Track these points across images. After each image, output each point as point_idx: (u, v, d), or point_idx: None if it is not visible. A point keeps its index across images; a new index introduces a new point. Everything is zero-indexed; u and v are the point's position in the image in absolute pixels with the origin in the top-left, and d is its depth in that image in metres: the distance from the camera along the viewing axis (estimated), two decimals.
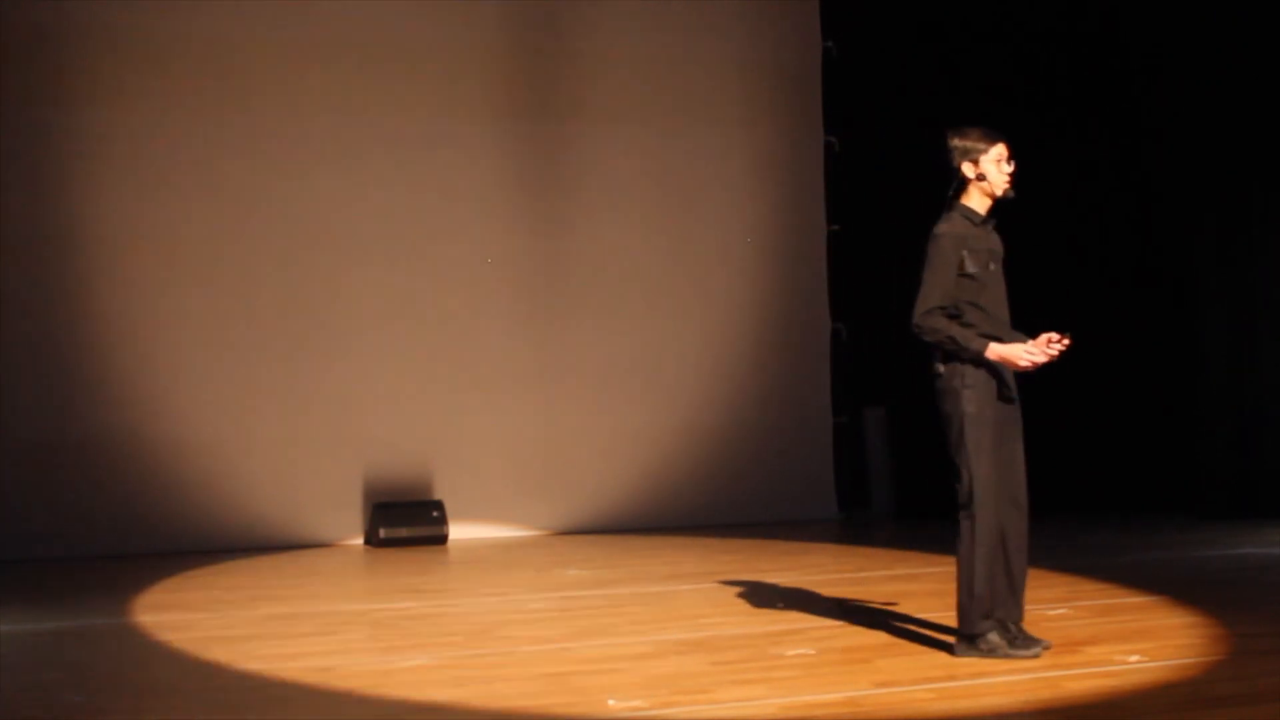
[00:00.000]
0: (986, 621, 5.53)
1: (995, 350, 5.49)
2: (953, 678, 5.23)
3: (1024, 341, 5.53)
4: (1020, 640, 5.64)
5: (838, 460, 12.00)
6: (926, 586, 7.57)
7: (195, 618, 7.15)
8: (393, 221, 10.95)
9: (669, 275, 11.61)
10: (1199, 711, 4.71)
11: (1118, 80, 11.77)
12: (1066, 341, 5.48)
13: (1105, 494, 11.56)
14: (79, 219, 10.28)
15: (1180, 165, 11.14)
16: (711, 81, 11.72)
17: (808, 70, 11.98)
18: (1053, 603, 6.86)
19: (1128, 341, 11.68)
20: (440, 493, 10.85)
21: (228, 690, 5.42)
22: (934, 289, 5.58)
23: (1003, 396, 5.60)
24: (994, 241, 5.70)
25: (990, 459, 5.53)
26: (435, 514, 10.57)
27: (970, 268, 5.58)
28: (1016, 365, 5.48)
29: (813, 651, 5.76)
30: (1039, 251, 11.72)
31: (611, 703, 4.94)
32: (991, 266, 5.63)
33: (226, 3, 10.57)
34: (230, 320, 10.55)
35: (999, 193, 5.65)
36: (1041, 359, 5.47)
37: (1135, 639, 5.92)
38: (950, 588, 7.51)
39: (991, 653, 5.48)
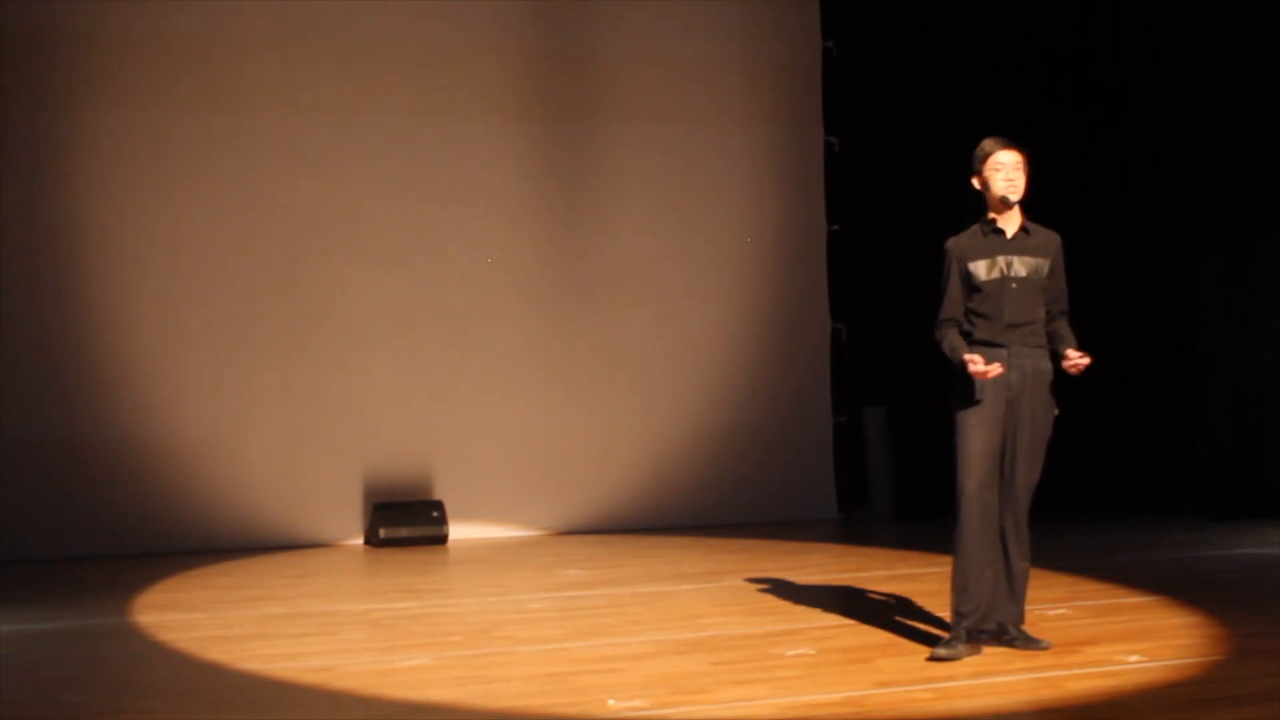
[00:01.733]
0: (965, 621, 5.57)
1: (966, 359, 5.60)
2: (952, 678, 5.23)
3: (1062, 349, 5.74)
4: (1021, 642, 5.66)
5: (838, 460, 12.00)
6: (927, 586, 7.57)
7: (195, 618, 7.15)
8: (394, 221, 10.95)
9: (668, 275, 11.60)
10: (1199, 711, 4.71)
11: (1118, 76, 11.76)
12: (1084, 362, 5.59)
13: (1105, 494, 11.56)
14: (79, 219, 10.29)
15: (1179, 164, 11.13)
16: (712, 81, 11.71)
17: (808, 70, 11.98)
18: (1053, 603, 6.86)
19: (1127, 341, 11.67)
20: (440, 493, 10.86)
21: (228, 690, 5.42)
22: (941, 303, 5.81)
23: (994, 391, 5.63)
24: (1017, 247, 5.73)
25: (975, 461, 5.60)
26: (435, 514, 10.58)
27: (976, 278, 5.70)
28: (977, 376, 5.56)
29: (813, 651, 5.76)
30: None
31: (611, 703, 4.94)
32: (1000, 274, 5.68)
33: (230, 3, 10.58)
34: (230, 320, 10.55)
35: (997, 198, 5.71)
36: (983, 372, 5.51)
37: (1135, 639, 5.92)
38: (950, 588, 7.53)
39: (954, 657, 5.51)
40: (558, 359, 11.26)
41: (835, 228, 12.02)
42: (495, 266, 11.16)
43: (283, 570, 9.19)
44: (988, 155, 5.72)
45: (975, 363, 5.53)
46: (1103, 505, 11.41)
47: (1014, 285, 5.68)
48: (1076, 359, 5.60)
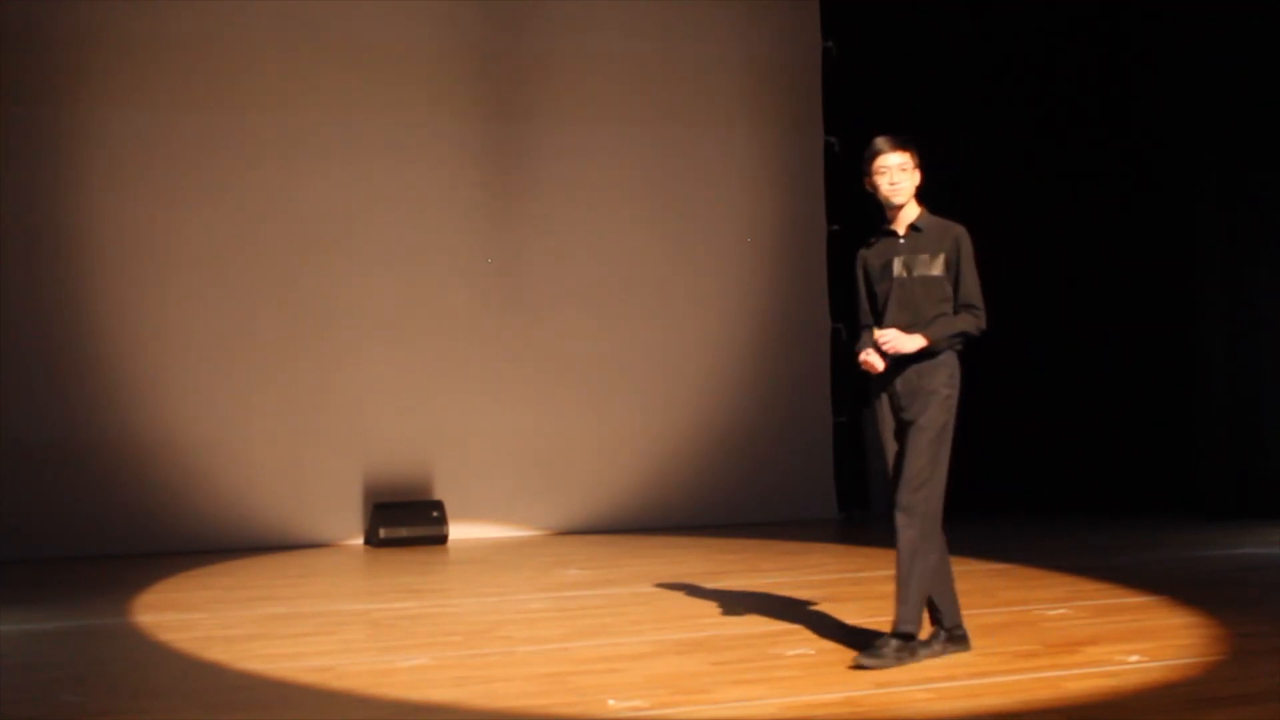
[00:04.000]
0: (947, 621, 5.66)
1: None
2: (953, 678, 5.23)
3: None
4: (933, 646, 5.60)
5: (838, 460, 12.00)
6: None
7: (195, 618, 7.15)
8: (394, 222, 10.95)
9: (669, 276, 11.60)
10: (1199, 711, 4.71)
11: (1116, 75, 11.77)
12: (884, 342, 5.50)
13: (1105, 494, 11.57)
14: (79, 219, 10.29)
15: (1180, 163, 11.13)
16: (711, 82, 11.71)
17: (808, 70, 11.98)
18: (1053, 603, 6.87)
19: (1127, 340, 11.68)
20: (440, 493, 10.85)
21: (228, 690, 5.42)
22: (857, 311, 5.78)
23: (890, 404, 5.61)
24: (908, 247, 5.61)
25: (891, 474, 5.57)
26: (435, 514, 10.58)
27: (872, 283, 5.68)
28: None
29: (813, 651, 5.76)
30: (1037, 248, 11.75)
31: (611, 703, 4.94)
32: (889, 276, 5.60)
33: (231, 3, 10.57)
34: (230, 320, 10.55)
35: (883, 201, 5.65)
36: (869, 364, 5.55)
37: (1135, 639, 5.92)
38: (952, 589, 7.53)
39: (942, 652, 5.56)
40: (558, 359, 11.26)
41: (835, 228, 12.01)
42: (495, 266, 11.16)
43: (283, 570, 9.19)
44: (872, 158, 5.63)
45: (860, 355, 5.58)
46: (1103, 505, 11.42)
47: (900, 287, 5.59)
48: (882, 338, 5.48)
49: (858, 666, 5.37)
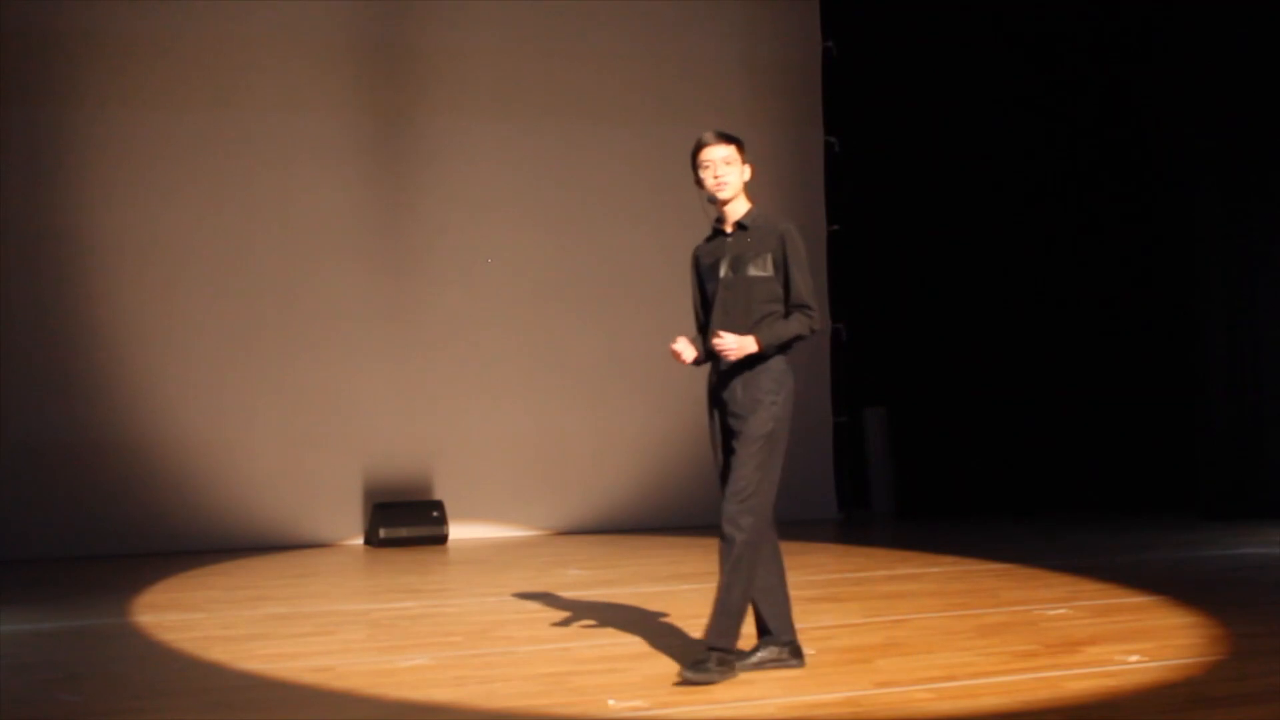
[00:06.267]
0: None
1: None
2: (953, 678, 5.23)
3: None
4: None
5: (838, 460, 12.00)
6: (927, 586, 7.58)
7: (195, 618, 7.15)
8: (395, 222, 10.95)
9: (669, 275, 11.53)
10: (1199, 711, 4.71)
11: (1116, 73, 11.77)
12: (722, 345, 5.39)
13: (1105, 494, 11.57)
14: (79, 219, 10.28)
15: (1179, 161, 11.13)
16: (712, 81, 11.71)
17: (808, 70, 11.97)
18: (1053, 603, 6.87)
19: (1127, 340, 11.69)
20: (440, 493, 10.85)
21: (228, 690, 5.42)
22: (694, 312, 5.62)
23: (720, 414, 5.54)
24: (734, 246, 5.40)
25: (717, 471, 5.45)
26: (435, 514, 10.57)
27: (704, 284, 5.53)
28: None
29: (813, 651, 5.76)
30: (1037, 247, 11.75)
31: (611, 703, 4.94)
32: (716, 277, 5.43)
33: (231, 4, 10.57)
34: (230, 320, 10.55)
35: (708, 198, 5.43)
36: (676, 353, 5.56)
37: (1135, 639, 5.92)
38: (950, 588, 7.54)
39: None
40: (558, 359, 11.26)
41: (835, 228, 12.01)
42: (495, 266, 11.16)
43: (283, 570, 9.19)
44: (696, 152, 5.37)
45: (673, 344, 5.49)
46: (1103, 505, 11.42)
47: (726, 288, 5.41)
48: (719, 345, 5.35)
49: (683, 682, 5.13)
